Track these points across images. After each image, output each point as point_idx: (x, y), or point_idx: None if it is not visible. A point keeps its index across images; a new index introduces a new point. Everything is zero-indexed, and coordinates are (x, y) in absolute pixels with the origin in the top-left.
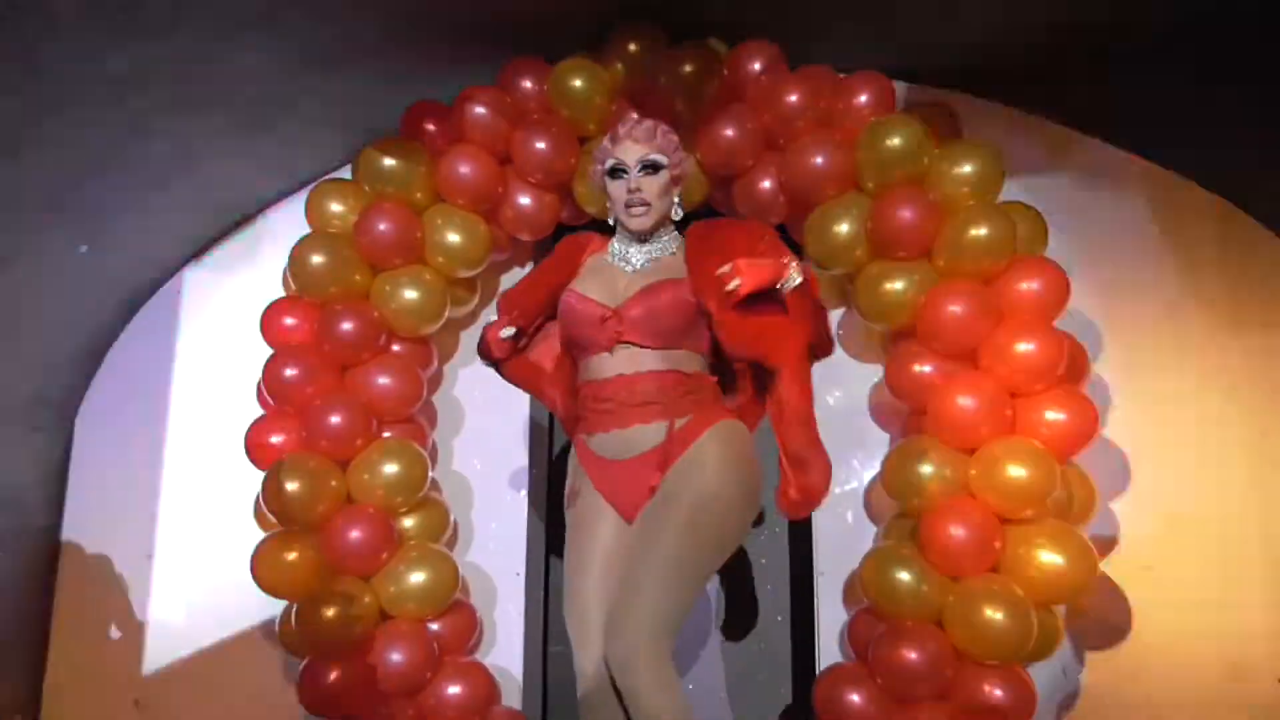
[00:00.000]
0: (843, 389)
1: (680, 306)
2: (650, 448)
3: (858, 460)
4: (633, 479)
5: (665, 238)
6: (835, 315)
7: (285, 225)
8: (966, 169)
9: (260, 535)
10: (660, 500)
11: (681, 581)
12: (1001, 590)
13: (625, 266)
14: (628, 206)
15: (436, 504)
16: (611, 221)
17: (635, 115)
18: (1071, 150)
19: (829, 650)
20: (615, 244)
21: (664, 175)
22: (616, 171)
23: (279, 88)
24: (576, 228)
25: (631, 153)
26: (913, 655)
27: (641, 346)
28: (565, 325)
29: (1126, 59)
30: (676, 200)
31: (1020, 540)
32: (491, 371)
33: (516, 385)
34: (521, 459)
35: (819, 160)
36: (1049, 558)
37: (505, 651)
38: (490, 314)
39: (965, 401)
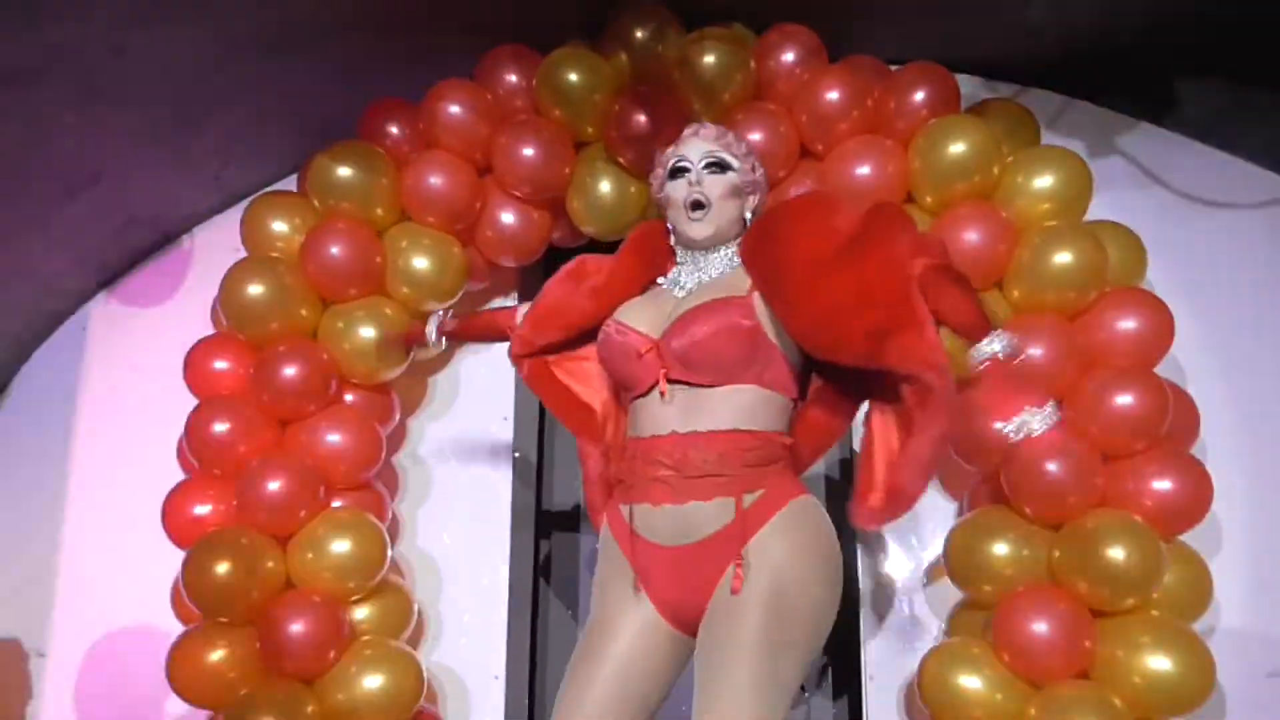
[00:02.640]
0: None
1: (732, 331)
2: (712, 532)
3: (916, 538)
4: (687, 572)
5: (725, 253)
6: None
7: (216, 248)
8: (1047, 181)
9: (180, 629)
10: (731, 607)
11: (775, 701)
12: (1095, 701)
13: (676, 290)
14: (687, 207)
15: (397, 590)
16: (672, 241)
17: (701, 122)
18: (1176, 159)
19: None
20: (677, 263)
21: (731, 177)
22: (678, 171)
23: (208, 82)
24: (570, 252)
25: (696, 148)
26: None
27: (694, 386)
28: (603, 362)
29: (1247, 53)
30: (748, 216)
31: (1118, 638)
32: (467, 426)
33: (542, 400)
34: (503, 535)
35: (866, 170)
36: (1155, 662)
37: None
38: (467, 358)
39: (1048, 465)
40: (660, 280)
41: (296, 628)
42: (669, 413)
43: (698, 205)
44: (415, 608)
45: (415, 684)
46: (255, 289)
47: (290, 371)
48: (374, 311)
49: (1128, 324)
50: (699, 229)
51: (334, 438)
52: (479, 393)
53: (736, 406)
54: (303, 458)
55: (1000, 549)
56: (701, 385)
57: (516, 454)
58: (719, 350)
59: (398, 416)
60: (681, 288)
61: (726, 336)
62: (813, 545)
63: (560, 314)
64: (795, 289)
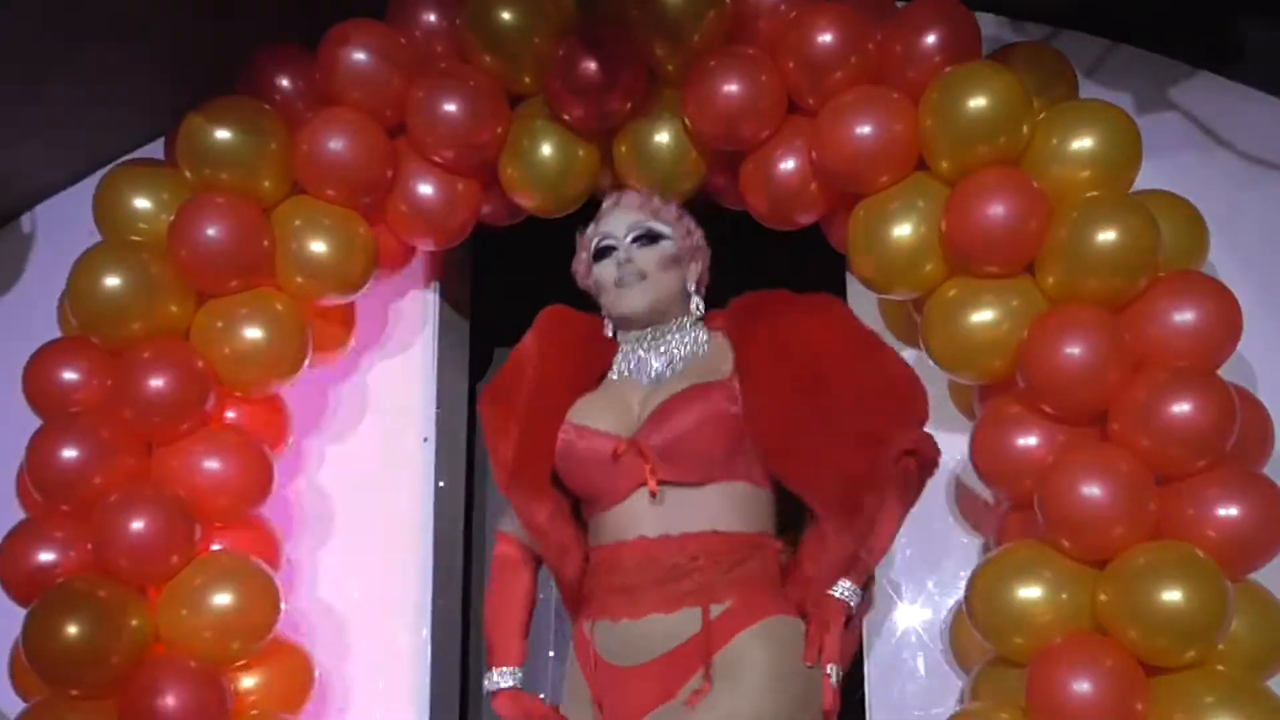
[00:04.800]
0: None
1: (719, 420)
2: (674, 646)
3: (933, 581)
4: (643, 693)
5: (689, 330)
6: None
7: (63, 230)
8: (1087, 143)
9: (20, 705)
10: None
11: None
12: None
13: (640, 377)
14: (617, 284)
15: (293, 652)
16: (610, 331)
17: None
18: (1242, 115)
19: None
20: (619, 357)
21: (665, 246)
22: (604, 251)
23: (52, 30)
24: (504, 232)
25: (619, 222)
26: None
27: (677, 485)
28: (567, 474)
29: None
30: (691, 288)
31: (1176, 699)
32: (378, 449)
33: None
34: (424, 584)
35: (867, 130)
36: None
37: None
38: (377, 362)
39: (1090, 490)
40: (613, 375)
41: (168, 701)
42: (640, 517)
43: (630, 275)
44: (315, 674)
45: None
46: (112, 280)
47: (157, 382)
48: (260, 306)
49: (1185, 316)
50: (631, 301)
51: (212, 464)
52: (392, 407)
53: (720, 506)
54: (173, 489)
55: (1034, 592)
56: (686, 484)
57: (440, 484)
58: (707, 442)
59: (291, 437)
60: (647, 374)
61: (714, 426)
62: (783, 679)
63: (521, 458)
64: (788, 394)
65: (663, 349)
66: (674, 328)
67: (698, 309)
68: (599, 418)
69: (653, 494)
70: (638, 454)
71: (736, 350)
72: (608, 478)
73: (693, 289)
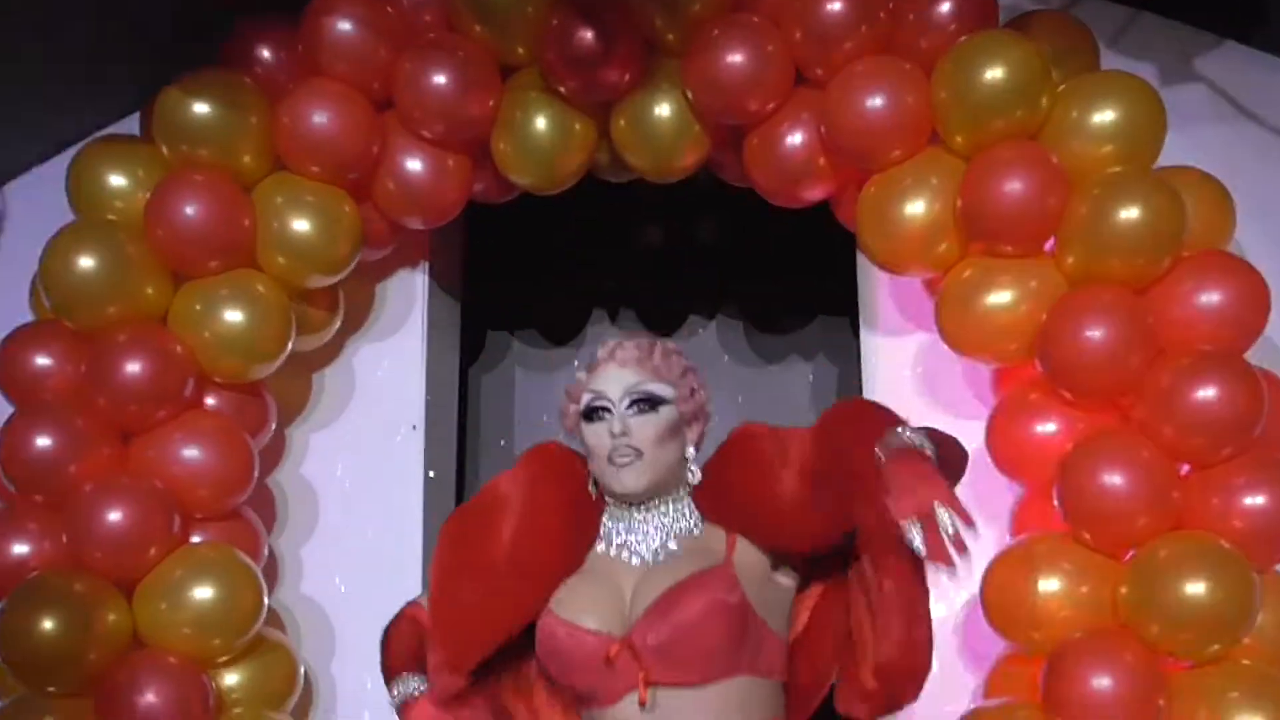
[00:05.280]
0: None
1: (721, 613)
2: None
3: (947, 574)
4: None
5: (684, 502)
6: (912, 342)
7: (34, 209)
8: (1108, 116)
9: None
10: None
11: None
12: None
13: (630, 558)
14: (610, 460)
15: (277, 649)
16: (593, 488)
17: (619, 340)
18: (1272, 88)
19: None
20: (607, 523)
21: (665, 414)
22: (595, 412)
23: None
24: (496, 209)
25: (615, 382)
26: None
27: (672, 688)
28: (550, 669)
29: None
30: (690, 454)
31: (1200, 696)
32: (364, 437)
33: None
34: (413, 577)
35: (878, 102)
36: None
37: None
38: (363, 347)
39: (1111, 479)
40: (600, 547)
41: (148, 699)
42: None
43: (625, 450)
44: (300, 671)
45: None
46: (86, 262)
47: (133, 368)
48: (241, 288)
49: (1211, 297)
50: (627, 482)
51: (191, 453)
52: (379, 393)
53: (722, 706)
54: (151, 480)
55: (1052, 585)
56: (687, 685)
57: (430, 474)
58: (709, 639)
59: (274, 425)
60: (638, 554)
61: (715, 620)
62: None
63: (484, 613)
64: (781, 529)
65: (655, 525)
66: (670, 500)
67: (693, 476)
68: (587, 612)
69: (642, 702)
70: (632, 655)
71: (721, 525)
72: (600, 681)
73: (692, 454)
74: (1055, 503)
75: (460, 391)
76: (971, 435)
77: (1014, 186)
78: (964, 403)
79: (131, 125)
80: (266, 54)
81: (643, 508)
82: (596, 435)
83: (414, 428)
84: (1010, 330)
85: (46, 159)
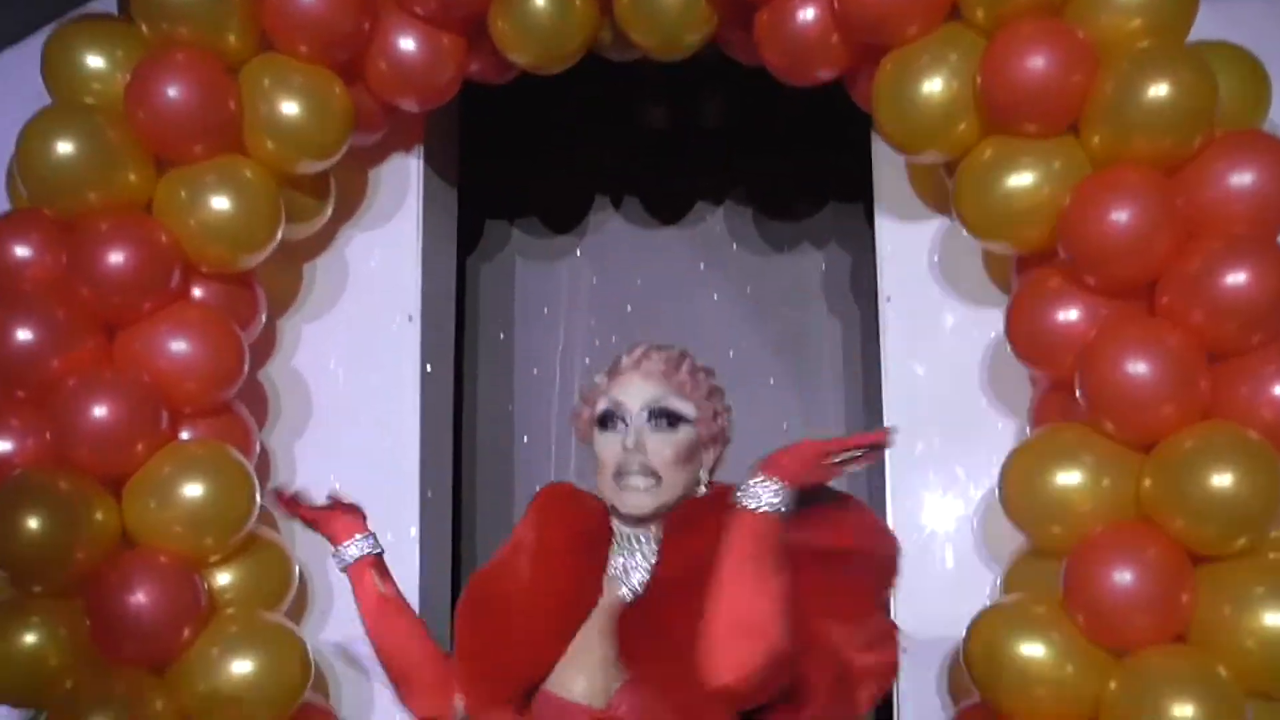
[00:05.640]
0: (940, 350)
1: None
2: None
3: (963, 466)
4: None
5: None
6: (929, 228)
7: (7, 93)
8: None
9: None
10: None
11: None
12: (1194, 672)
13: (622, 589)
14: (619, 475)
15: (270, 548)
16: (602, 496)
17: (646, 348)
18: None
19: None
20: (616, 544)
21: (685, 434)
22: (610, 420)
23: None
24: (494, 90)
25: (637, 392)
26: None
27: None
28: None
29: None
30: (703, 478)
31: (1224, 591)
32: (358, 328)
33: None
34: (410, 474)
35: None
36: (1272, 619)
37: None
38: (355, 235)
39: (1135, 367)
40: (612, 568)
41: (138, 599)
42: None
43: (639, 470)
44: (295, 570)
45: (298, 670)
46: (65, 147)
47: (117, 258)
48: (228, 175)
49: (1243, 179)
50: (637, 502)
51: (179, 346)
52: (373, 284)
53: None
54: (138, 374)
55: (1072, 477)
56: None
57: (428, 367)
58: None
59: (263, 316)
60: (628, 587)
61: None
62: None
63: (506, 661)
64: None
65: (648, 553)
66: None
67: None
68: (580, 673)
69: None
70: None
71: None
72: None
73: (704, 479)
74: (1077, 393)
75: (458, 281)
76: (991, 323)
77: (1037, 63)
78: (983, 290)
79: (109, 3)
80: None
81: (641, 535)
82: (609, 447)
83: (410, 319)
84: (1032, 214)
85: (19, 39)
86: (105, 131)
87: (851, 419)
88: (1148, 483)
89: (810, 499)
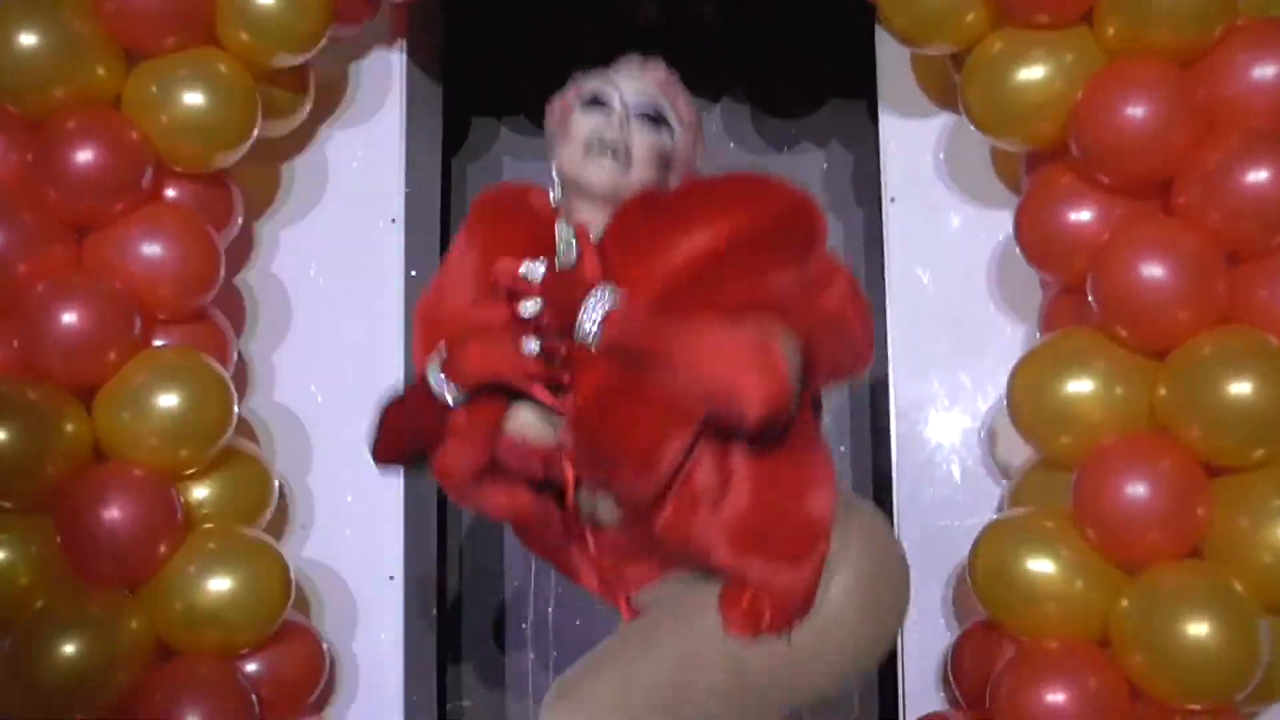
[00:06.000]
0: (946, 253)
1: None
2: None
3: (969, 374)
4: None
5: None
6: (935, 125)
7: None
8: None
9: None
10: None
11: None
12: (1208, 588)
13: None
14: (591, 147)
15: (248, 460)
16: (555, 199)
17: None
18: None
19: (921, 689)
20: (558, 232)
21: (664, 140)
22: (598, 104)
23: None
24: None
25: (633, 85)
26: (1059, 698)
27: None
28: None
29: None
30: None
31: (1241, 504)
32: (338, 231)
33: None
34: (393, 375)
35: None
36: None
37: (372, 709)
38: (335, 132)
39: (1150, 270)
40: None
41: (112, 513)
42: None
43: (614, 148)
44: (275, 484)
45: (278, 587)
46: (28, 39)
47: (85, 156)
48: (201, 68)
49: (1265, 71)
50: (600, 171)
51: (152, 249)
52: (354, 185)
53: None
54: (109, 279)
55: (1084, 386)
56: None
57: (412, 273)
58: None
59: (240, 218)
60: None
61: None
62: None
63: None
64: None
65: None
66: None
67: None
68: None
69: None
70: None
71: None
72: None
73: None
74: (1089, 297)
75: (443, 182)
76: (999, 225)
77: None
78: (991, 190)
79: None
80: None
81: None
82: (588, 122)
83: (393, 221)
84: (1042, 109)
85: None
86: (71, 22)
87: None
88: (1162, 391)
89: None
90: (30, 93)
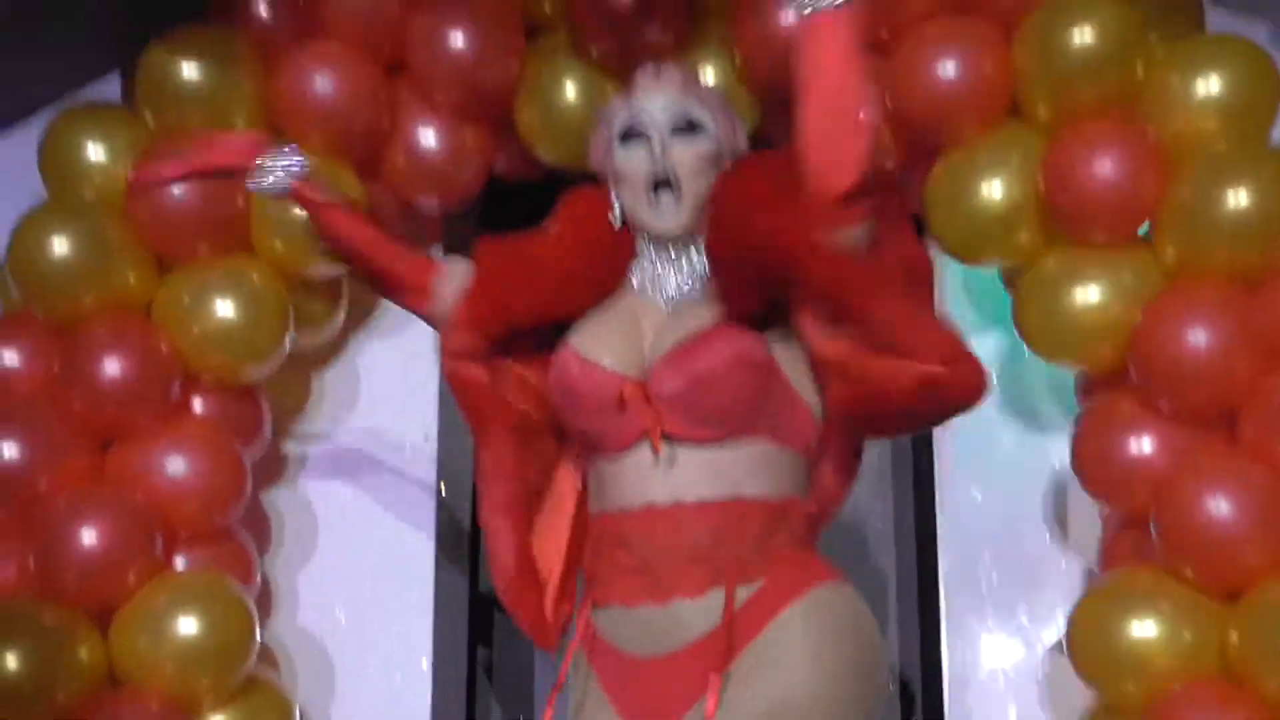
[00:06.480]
0: (997, 478)
1: (749, 367)
2: (699, 636)
3: (1025, 612)
4: (669, 690)
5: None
6: (985, 344)
7: (2, 186)
8: (1214, 85)
9: None
10: None
11: None
12: None
13: (655, 300)
14: (648, 189)
15: (270, 689)
16: (618, 219)
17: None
18: None
19: None
20: (640, 258)
21: (705, 143)
22: (634, 135)
23: None
24: (520, 188)
25: (658, 102)
26: None
27: (686, 442)
28: (564, 409)
29: None
30: None
31: None
32: (370, 447)
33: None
34: (424, 607)
35: (950, 69)
36: None
37: None
38: (368, 344)
39: (1216, 505)
40: (633, 281)
41: None
42: (649, 478)
43: (664, 185)
44: (296, 714)
45: None
46: (61, 246)
47: (112, 366)
48: (234, 278)
49: None
50: (667, 219)
51: (176, 464)
52: (387, 399)
53: (739, 469)
54: (131, 494)
55: (1149, 630)
56: (701, 441)
57: (443, 491)
58: (730, 393)
59: (269, 433)
60: (664, 294)
61: (740, 374)
62: (833, 650)
63: (513, 292)
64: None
65: (685, 264)
66: (700, 239)
67: None
68: (605, 349)
69: (655, 450)
70: (645, 400)
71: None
72: (609, 425)
73: None
74: (1152, 533)
75: None
76: (1055, 451)
77: (1104, 166)
78: (1046, 414)
79: (111, 89)
80: (263, 8)
81: (673, 247)
82: (632, 160)
83: (426, 439)
84: (1100, 331)
85: (13, 126)
86: (105, 229)
87: (903, 551)
88: (1235, 637)
89: None
90: (60, 299)
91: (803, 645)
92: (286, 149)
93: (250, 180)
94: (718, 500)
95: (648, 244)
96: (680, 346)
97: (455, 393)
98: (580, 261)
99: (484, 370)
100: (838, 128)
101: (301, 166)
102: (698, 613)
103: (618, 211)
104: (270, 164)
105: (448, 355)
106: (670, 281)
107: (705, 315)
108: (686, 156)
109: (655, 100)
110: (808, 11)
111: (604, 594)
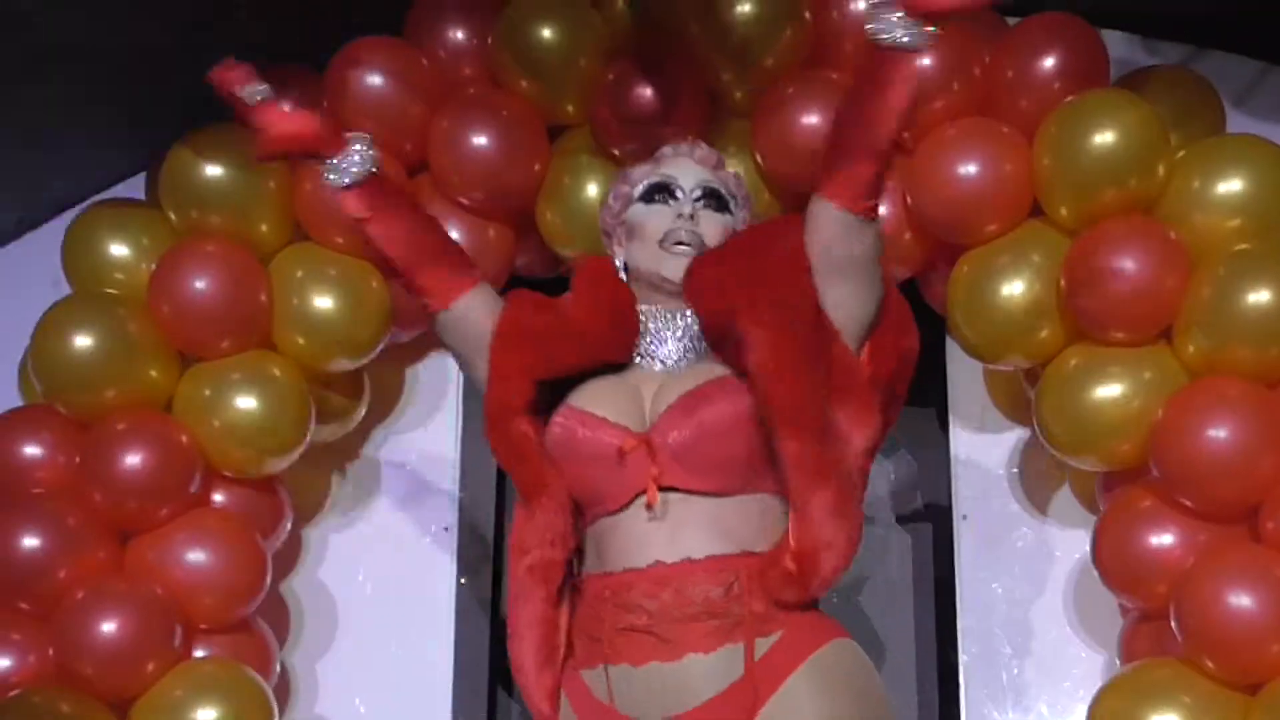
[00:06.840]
0: (1018, 571)
1: (751, 422)
2: (714, 694)
3: (1047, 703)
4: None
5: None
6: (1006, 440)
7: (25, 280)
8: (1235, 185)
9: None
10: None
11: None
12: None
13: (653, 363)
14: (665, 241)
15: None
16: (622, 270)
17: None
18: None
19: None
20: (641, 325)
21: (727, 221)
22: (660, 192)
23: (12, 37)
24: (543, 284)
25: (688, 172)
26: None
27: (688, 495)
28: (566, 464)
29: None
30: None
31: None
32: (389, 540)
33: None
34: (442, 699)
35: (972, 170)
36: None
37: None
38: (390, 437)
39: (1238, 599)
40: (636, 356)
41: None
42: (653, 535)
43: (689, 239)
44: None
45: None
46: (83, 341)
47: (133, 460)
48: (255, 372)
49: None
50: (680, 268)
51: (196, 556)
52: (407, 491)
53: (739, 522)
54: (151, 586)
55: None
56: (705, 494)
57: (463, 581)
58: (733, 445)
59: (289, 524)
60: (661, 359)
61: (750, 427)
62: (860, 709)
63: (534, 344)
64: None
65: (683, 331)
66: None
67: None
68: (607, 404)
69: (650, 504)
70: (647, 453)
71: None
72: (609, 479)
73: None
74: (1173, 626)
75: (497, 488)
76: (1076, 546)
77: (1126, 265)
78: (1067, 509)
79: (135, 188)
80: (288, 109)
81: (671, 312)
82: (655, 216)
83: (445, 530)
84: (1120, 429)
85: (37, 224)
86: (127, 324)
87: (923, 641)
88: None
89: None
90: (81, 393)
91: (822, 700)
92: (361, 141)
93: (330, 172)
94: (726, 555)
95: (650, 310)
96: (687, 395)
97: (507, 455)
98: (596, 319)
99: (531, 427)
100: (863, 147)
101: (374, 161)
102: (710, 669)
103: (620, 264)
104: (345, 161)
105: (502, 412)
106: (668, 346)
107: (705, 372)
108: (713, 228)
109: (688, 168)
110: (884, 39)
111: (606, 654)
